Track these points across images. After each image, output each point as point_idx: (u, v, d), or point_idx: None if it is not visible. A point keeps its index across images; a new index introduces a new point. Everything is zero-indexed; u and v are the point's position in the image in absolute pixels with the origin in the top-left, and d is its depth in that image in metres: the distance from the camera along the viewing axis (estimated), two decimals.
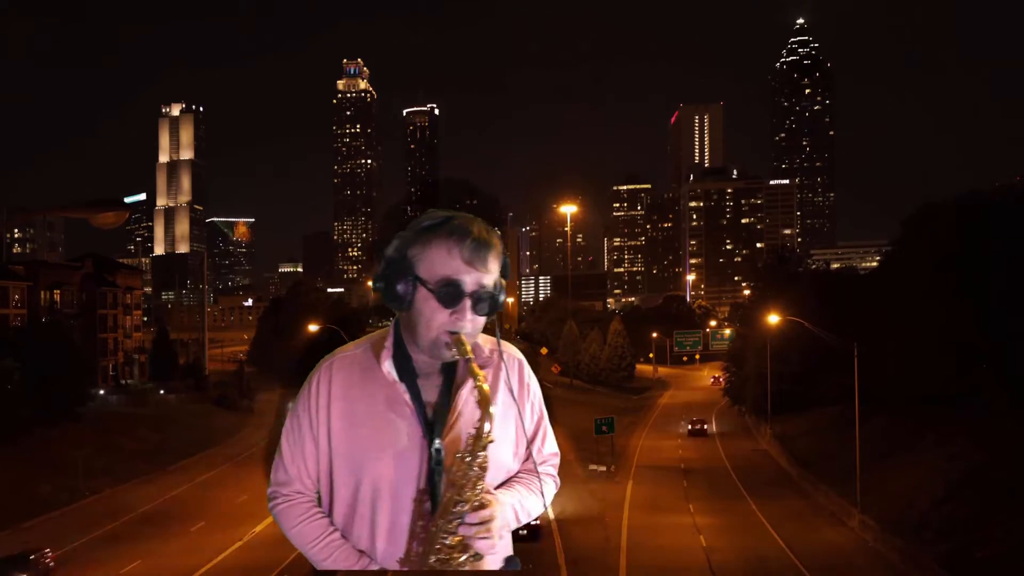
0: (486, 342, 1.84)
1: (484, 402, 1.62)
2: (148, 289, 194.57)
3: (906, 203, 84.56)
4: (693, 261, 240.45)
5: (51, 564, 24.43)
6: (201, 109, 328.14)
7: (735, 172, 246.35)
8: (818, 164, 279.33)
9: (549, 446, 1.97)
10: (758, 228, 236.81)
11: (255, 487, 35.47)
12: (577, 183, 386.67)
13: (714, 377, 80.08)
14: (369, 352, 1.82)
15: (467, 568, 1.62)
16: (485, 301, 1.69)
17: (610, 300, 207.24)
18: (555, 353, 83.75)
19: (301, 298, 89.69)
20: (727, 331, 79.40)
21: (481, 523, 1.63)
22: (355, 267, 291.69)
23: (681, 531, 28.16)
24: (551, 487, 1.93)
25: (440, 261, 1.67)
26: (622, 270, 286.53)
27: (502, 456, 1.83)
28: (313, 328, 55.38)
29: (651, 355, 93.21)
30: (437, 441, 1.71)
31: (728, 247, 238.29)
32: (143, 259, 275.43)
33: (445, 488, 1.65)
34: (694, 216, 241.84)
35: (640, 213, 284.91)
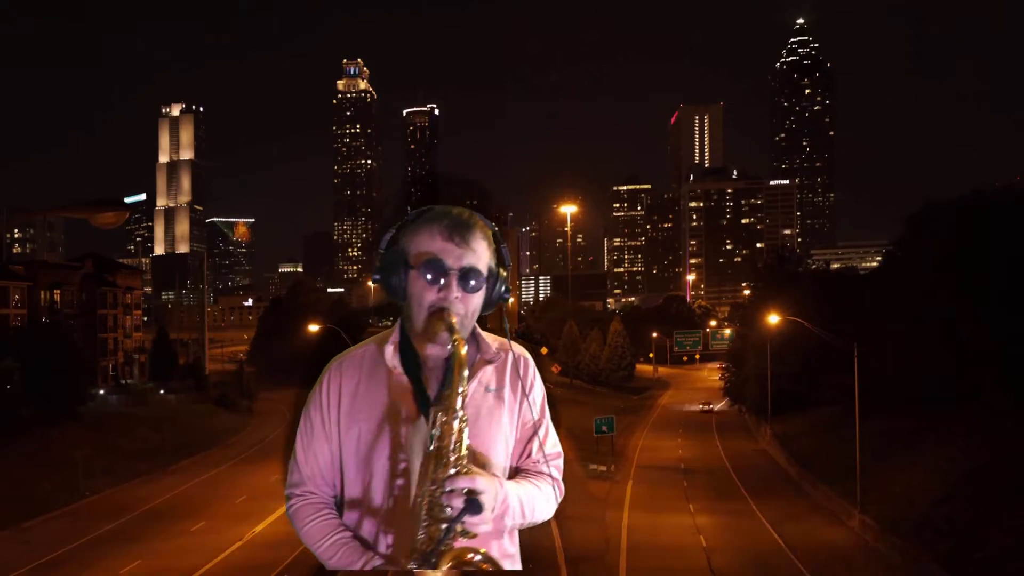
0: (494, 340, 1.90)
1: (460, 371, 1.66)
2: (148, 289, 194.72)
3: (906, 203, 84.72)
4: (693, 261, 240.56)
5: None
6: (201, 109, 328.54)
7: (735, 172, 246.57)
8: (818, 164, 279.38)
9: (552, 445, 1.96)
10: (758, 228, 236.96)
11: (255, 487, 35.51)
12: (577, 183, 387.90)
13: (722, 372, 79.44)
14: (376, 349, 1.86)
15: (462, 544, 1.59)
16: (471, 278, 1.74)
17: (610, 300, 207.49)
18: (555, 353, 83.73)
19: (301, 298, 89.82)
20: (727, 331, 79.44)
21: (467, 492, 1.58)
22: (355, 267, 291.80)
23: (681, 531, 28.15)
24: (555, 491, 1.93)
25: (424, 243, 1.77)
26: (622, 270, 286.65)
27: (499, 450, 1.85)
28: (313, 328, 55.40)
29: (651, 355, 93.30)
30: (437, 431, 1.72)
31: (728, 247, 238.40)
32: (143, 259, 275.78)
33: (435, 469, 1.63)
34: (694, 216, 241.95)
35: (640, 213, 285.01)
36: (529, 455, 1.94)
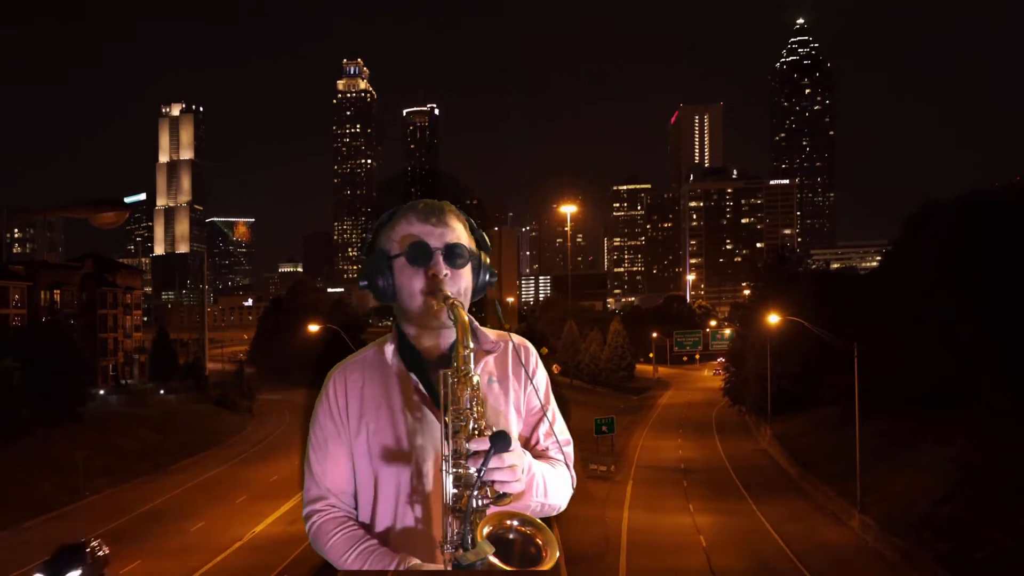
0: (492, 332, 1.88)
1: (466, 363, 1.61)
2: (148, 289, 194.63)
3: (906, 203, 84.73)
4: (693, 261, 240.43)
5: (107, 554, 23.31)
6: (201, 109, 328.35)
7: (735, 172, 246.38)
8: (818, 164, 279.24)
9: (561, 431, 1.91)
10: (758, 228, 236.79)
11: (255, 487, 35.51)
12: (577, 183, 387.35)
13: (717, 370, 79.60)
14: (377, 351, 1.85)
15: (496, 509, 1.52)
16: (457, 254, 1.75)
17: (610, 300, 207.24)
18: (555, 353, 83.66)
19: (301, 298, 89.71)
20: (727, 331, 79.33)
21: (492, 437, 1.51)
22: (355, 267, 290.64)
23: (681, 531, 28.15)
24: (570, 476, 1.88)
25: (403, 232, 1.78)
26: (622, 270, 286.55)
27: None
28: (313, 328, 55.37)
29: (651, 355, 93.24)
30: (448, 423, 1.68)
31: (728, 247, 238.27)
32: (143, 259, 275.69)
33: (453, 436, 1.57)
34: (694, 216, 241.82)
35: (640, 213, 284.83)
36: (538, 441, 1.89)
